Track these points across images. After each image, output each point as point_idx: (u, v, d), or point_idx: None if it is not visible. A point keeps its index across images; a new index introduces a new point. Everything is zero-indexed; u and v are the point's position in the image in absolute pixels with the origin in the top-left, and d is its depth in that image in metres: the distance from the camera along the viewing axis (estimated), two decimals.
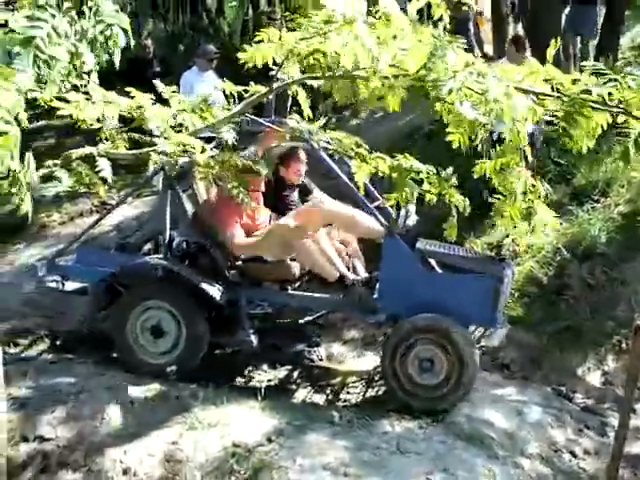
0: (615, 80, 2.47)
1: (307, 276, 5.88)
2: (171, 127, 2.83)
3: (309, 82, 2.96)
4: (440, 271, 5.49)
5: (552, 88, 2.49)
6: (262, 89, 2.95)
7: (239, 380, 6.01)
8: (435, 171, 2.95)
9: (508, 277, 5.53)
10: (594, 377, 6.18)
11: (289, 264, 5.71)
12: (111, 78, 3.46)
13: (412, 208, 5.64)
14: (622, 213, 7.13)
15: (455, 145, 2.53)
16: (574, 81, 2.52)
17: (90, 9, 2.27)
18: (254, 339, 5.74)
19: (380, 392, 5.90)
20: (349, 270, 5.87)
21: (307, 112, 2.85)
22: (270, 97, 9.88)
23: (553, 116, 2.50)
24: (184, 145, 2.79)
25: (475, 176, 2.92)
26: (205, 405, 5.13)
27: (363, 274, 5.90)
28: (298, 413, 5.26)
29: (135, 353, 5.80)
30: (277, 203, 6.13)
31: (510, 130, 2.50)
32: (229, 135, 2.95)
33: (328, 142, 3.02)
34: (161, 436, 4.85)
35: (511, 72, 2.50)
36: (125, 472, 4.57)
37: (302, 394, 5.93)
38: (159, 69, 10.66)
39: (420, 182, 2.91)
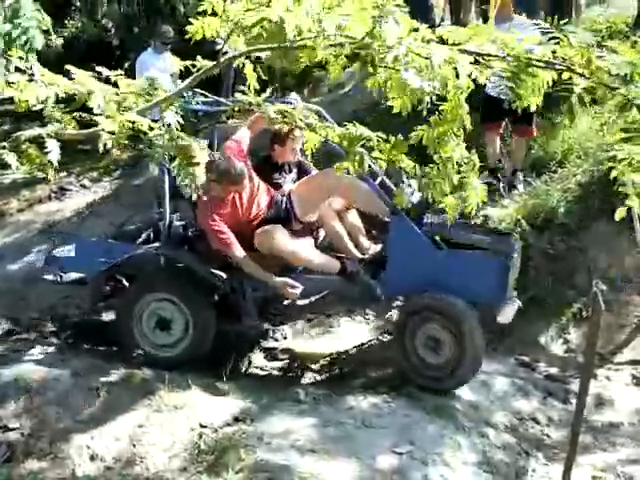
0: (558, 38, 2.49)
1: None
2: (118, 107, 2.79)
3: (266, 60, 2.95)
4: (447, 249, 5.34)
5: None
6: (210, 64, 2.92)
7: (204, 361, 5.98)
8: (385, 138, 2.94)
9: (516, 253, 5.46)
10: (557, 346, 6.27)
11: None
12: (72, 63, 3.38)
13: (414, 184, 5.62)
14: (579, 183, 7.21)
15: (396, 110, 2.52)
16: (519, 40, 2.53)
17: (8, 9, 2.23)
18: (261, 324, 5.74)
19: (345, 369, 5.95)
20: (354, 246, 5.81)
21: (253, 84, 2.82)
22: (229, 75, 9.97)
23: (500, 76, 2.50)
24: (132, 124, 2.75)
25: (411, 142, 2.91)
26: (171, 388, 5.11)
27: (367, 249, 5.85)
28: (264, 392, 5.27)
29: (142, 346, 5.74)
30: (273, 184, 5.98)
31: (450, 99, 2.50)
32: (172, 117, 2.92)
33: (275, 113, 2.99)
34: (127, 420, 4.83)
35: (457, 35, 2.49)
36: (92, 458, 4.54)
37: (267, 373, 5.93)
38: (118, 52, 10.57)
39: (370, 149, 2.89)
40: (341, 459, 4.43)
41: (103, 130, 2.71)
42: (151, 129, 2.89)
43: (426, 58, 2.26)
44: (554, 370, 6.01)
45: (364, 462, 4.41)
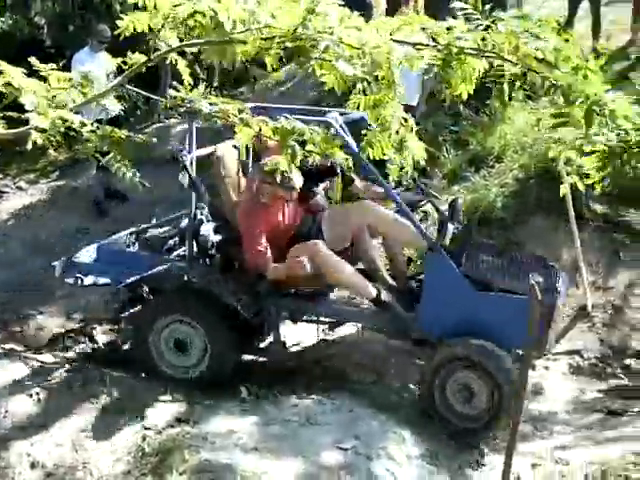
0: (487, 26, 2.53)
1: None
2: (49, 104, 2.73)
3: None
4: (487, 292, 4.97)
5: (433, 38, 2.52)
6: (142, 59, 2.87)
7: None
8: (318, 131, 2.94)
9: (560, 298, 5.13)
10: None
11: (321, 275, 5.27)
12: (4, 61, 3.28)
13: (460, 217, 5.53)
14: (516, 178, 7.33)
15: (329, 86, 2.53)
16: (448, 29, 2.56)
17: None
18: (286, 350, 5.61)
19: (288, 367, 5.93)
20: (391, 277, 5.57)
21: (187, 80, 2.79)
22: (166, 72, 9.88)
23: (431, 64, 2.53)
24: (64, 121, 2.69)
25: (349, 110, 2.92)
26: (113, 391, 5.05)
27: (404, 283, 5.57)
28: (207, 392, 5.24)
29: (158, 366, 5.56)
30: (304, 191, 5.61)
31: (384, 69, 2.52)
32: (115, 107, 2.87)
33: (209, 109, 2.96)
34: (69, 425, 4.77)
35: (388, 24, 2.51)
36: (33, 465, 4.46)
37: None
38: (53, 50, 10.39)
39: (303, 143, 2.88)
40: (285, 457, 4.43)
41: (35, 128, 2.65)
42: (83, 125, 2.84)
43: (357, 48, 2.27)
44: None
45: (309, 459, 4.42)
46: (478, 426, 4.98)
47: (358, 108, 2.79)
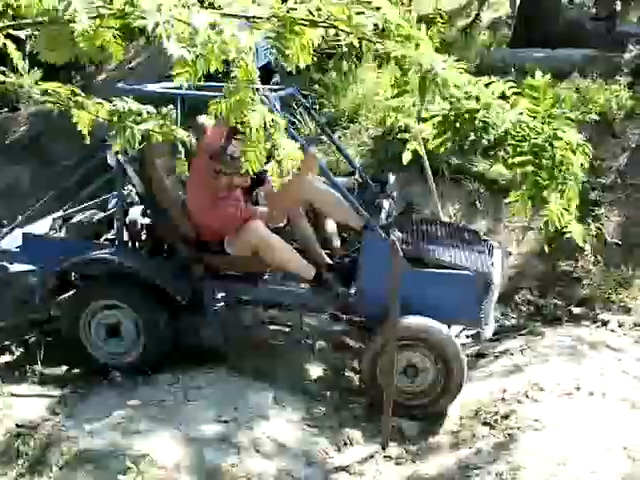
0: None
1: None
2: None
3: None
4: (424, 268, 4.94)
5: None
6: None
7: (8, 357, 5.72)
8: (157, 112, 2.88)
9: (499, 269, 5.21)
10: None
11: (257, 257, 5.16)
12: None
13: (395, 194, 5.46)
14: (373, 136, 7.46)
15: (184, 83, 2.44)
16: (284, 0, 2.55)
17: None
18: (222, 335, 5.42)
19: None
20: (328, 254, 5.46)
21: (22, 65, 2.66)
22: None
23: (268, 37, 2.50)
24: None
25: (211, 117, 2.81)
26: None
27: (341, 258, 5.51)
28: (78, 381, 5.15)
29: (90, 354, 5.34)
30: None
31: (238, 65, 2.46)
32: None
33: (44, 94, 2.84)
34: None
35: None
36: None
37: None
38: None
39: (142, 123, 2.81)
40: (167, 436, 4.41)
41: None
42: None
43: (188, 24, 2.21)
44: None
45: (191, 436, 4.42)
46: (426, 402, 4.97)
47: (220, 113, 2.65)
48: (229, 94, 2.60)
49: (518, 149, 2.62)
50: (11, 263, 5.67)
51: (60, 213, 6.01)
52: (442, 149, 2.91)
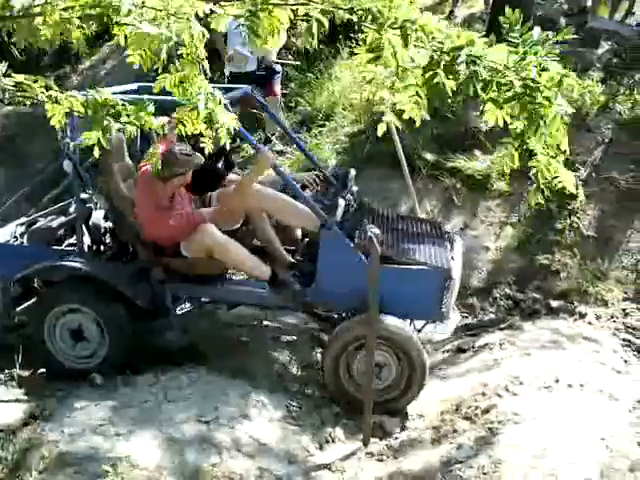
0: None
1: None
2: None
3: None
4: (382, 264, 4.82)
5: None
6: None
7: None
8: (129, 100, 2.88)
9: (459, 262, 5.25)
10: None
11: (214, 259, 5.16)
12: None
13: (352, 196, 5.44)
14: (348, 134, 7.47)
15: (136, 65, 2.46)
16: None
17: None
18: (182, 337, 5.42)
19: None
20: (289, 252, 5.48)
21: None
22: None
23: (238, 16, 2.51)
24: None
25: (155, 91, 2.86)
26: None
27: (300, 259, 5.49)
28: (58, 383, 5.10)
29: (54, 357, 5.34)
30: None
31: (187, 44, 2.48)
32: None
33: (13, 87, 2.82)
34: None
35: None
36: None
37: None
38: None
39: (118, 115, 2.81)
40: (148, 437, 4.39)
41: None
42: None
43: (160, 10, 2.22)
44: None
45: (171, 436, 4.40)
46: (389, 397, 4.96)
47: (164, 88, 2.71)
48: (174, 70, 2.63)
49: (503, 89, 2.61)
50: None
51: (23, 219, 6.02)
52: (418, 118, 2.91)
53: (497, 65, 2.60)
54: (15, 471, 4.18)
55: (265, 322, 5.89)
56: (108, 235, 5.56)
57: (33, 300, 5.59)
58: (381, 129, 3.18)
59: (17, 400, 4.92)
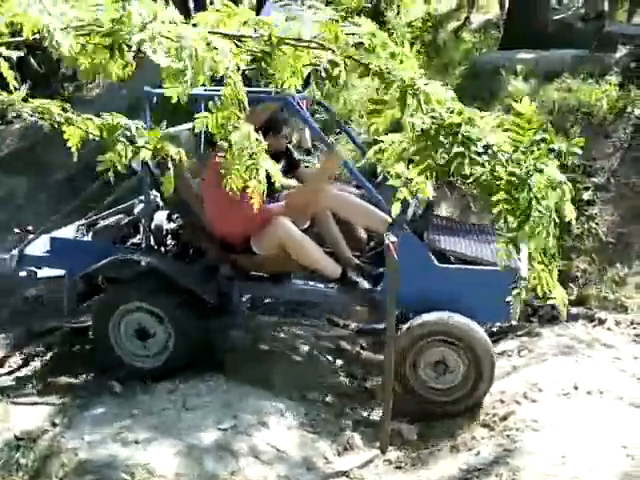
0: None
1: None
2: None
3: None
4: (452, 264, 5.02)
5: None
6: None
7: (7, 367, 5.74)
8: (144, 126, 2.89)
9: (525, 263, 5.00)
10: None
11: (285, 256, 5.15)
12: None
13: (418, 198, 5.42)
14: (364, 142, 7.47)
15: (174, 100, 2.44)
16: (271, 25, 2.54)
17: None
18: (248, 336, 5.46)
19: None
20: (355, 255, 5.43)
21: (12, 83, 2.67)
22: None
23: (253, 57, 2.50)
24: None
25: (195, 131, 2.82)
26: None
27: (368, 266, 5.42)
28: (78, 391, 5.15)
29: (118, 356, 5.37)
30: None
31: (227, 83, 2.47)
32: None
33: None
34: None
35: (208, 18, 2.48)
36: None
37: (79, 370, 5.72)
38: None
39: (133, 139, 2.82)
40: (167, 445, 4.41)
41: None
42: None
43: (176, 41, 2.22)
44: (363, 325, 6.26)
45: (190, 444, 4.41)
46: (454, 399, 4.93)
47: (207, 127, 2.66)
48: (216, 110, 2.61)
49: (493, 179, 2.55)
50: (39, 268, 5.71)
51: (84, 220, 6.06)
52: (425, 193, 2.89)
53: (498, 147, 2.53)
54: (35, 478, 4.24)
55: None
56: (170, 237, 5.60)
57: (98, 297, 5.63)
58: (395, 210, 3.15)
59: (38, 404, 4.98)
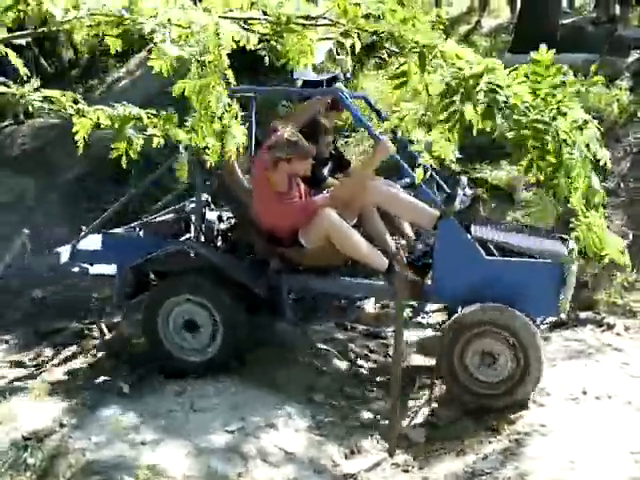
0: None
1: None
2: None
3: None
4: (499, 257, 5.03)
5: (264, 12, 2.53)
6: None
7: (18, 370, 5.75)
8: (155, 113, 2.90)
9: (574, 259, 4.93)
10: (370, 304, 6.49)
11: (332, 249, 5.19)
12: None
13: (466, 189, 5.47)
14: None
15: (157, 70, 2.45)
16: (280, 3, 2.56)
17: None
18: (297, 329, 5.51)
19: None
20: (399, 249, 5.36)
21: (23, 71, 2.68)
22: None
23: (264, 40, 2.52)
24: None
25: (174, 94, 2.85)
26: None
27: (416, 252, 5.45)
28: (86, 392, 5.14)
29: (167, 349, 5.41)
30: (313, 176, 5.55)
31: (211, 52, 2.47)
32: None
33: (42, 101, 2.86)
34: None
35: (216, 1, 2.49)
36: None
37: (87, 372, 5.73)
38: None
39: (144, 128, 2.83)
40: (174, 446, 4.42)
41: None
42: None
43: (185, 28, 2.23)
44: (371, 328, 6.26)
45: (198, 446, 4.42)
46: (501, 392, 4.86)
47: (183, 93, 2.69)
48: (195, 77, 2.63)
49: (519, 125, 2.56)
50: (91, 264, 5.78)
51: (135, 223, 6.09)
52: (452, 156, 2.88)
53: (520, 95, 2.53)
54: (42, 478, 4.23)
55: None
56: (220, 237, 5.66)
57: (148, 291, 5.68)
58: (419, 176, 3.16)
59: (44, 405, 4.97)
